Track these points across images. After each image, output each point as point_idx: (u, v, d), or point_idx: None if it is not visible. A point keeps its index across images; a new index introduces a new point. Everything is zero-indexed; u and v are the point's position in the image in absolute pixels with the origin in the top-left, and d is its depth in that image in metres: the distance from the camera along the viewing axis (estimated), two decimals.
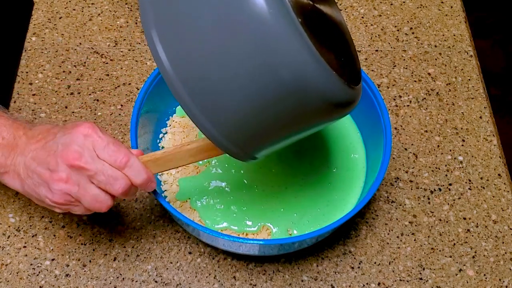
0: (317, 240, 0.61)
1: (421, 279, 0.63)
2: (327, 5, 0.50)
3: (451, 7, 0.86)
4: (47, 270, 0.63)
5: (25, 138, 0.52)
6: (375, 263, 0.64)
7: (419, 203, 0.68)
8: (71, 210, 0.52)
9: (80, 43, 0.80)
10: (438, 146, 0.72)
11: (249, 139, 0.48)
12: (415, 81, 0.78)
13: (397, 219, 0.67)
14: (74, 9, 0.84)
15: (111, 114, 0.74)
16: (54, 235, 0.65)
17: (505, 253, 0.65)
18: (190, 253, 0.64)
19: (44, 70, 0.78)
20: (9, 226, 0.66)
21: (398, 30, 0.83)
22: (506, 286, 0.63)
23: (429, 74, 0.79)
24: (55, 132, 0.51)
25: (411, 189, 0.69)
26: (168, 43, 0.44)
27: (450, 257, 0.65)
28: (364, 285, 0.63)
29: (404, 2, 0.86)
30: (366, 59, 0.80)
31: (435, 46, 0.81)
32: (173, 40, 0.44)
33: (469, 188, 0.69)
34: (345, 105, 0.47)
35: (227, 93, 0.44)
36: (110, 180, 0.50)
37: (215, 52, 0.43)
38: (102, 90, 0.76)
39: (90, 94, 0.75)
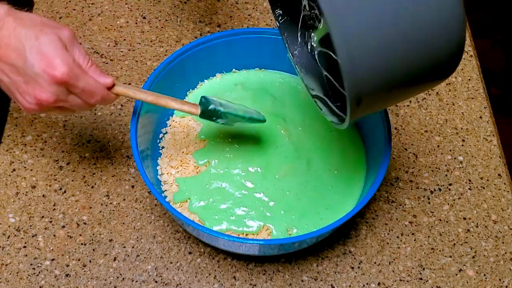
0: (317, 240, 0.61)
1: (421, 279, 0.63)
2: None
3: None
4: (47, 270, 0.63)
5: None
6: (375, 263, 0.64)
7: (419, 203, 0.68)
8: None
9: (80, 43, 0.80)
10: (438, 146, 0.72)
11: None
12: None
13: (397, 219, 0.67)
14: (74, 9, 0.84)
15: (111, 114, 0.74)
16: (54, 235, 0.65)
17: (505, 253, 0.65)
18: (190, 253, 0.64)
19: None
20: (9, 226, 0.66)
21: None
22: (506, 286, 0.63)
23: None
24: (24, 57, 0.49)
25: (411, 189, 0.69)
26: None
27: (450, 257, 0.65)
28: (364, 285, 0.63)
29: None
30: None
31: None
32: None
33: (469, 188, 0.69)
34: (458, 59, 0.48)
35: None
36: (71, 110, 0.55)
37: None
38: None
39: None
